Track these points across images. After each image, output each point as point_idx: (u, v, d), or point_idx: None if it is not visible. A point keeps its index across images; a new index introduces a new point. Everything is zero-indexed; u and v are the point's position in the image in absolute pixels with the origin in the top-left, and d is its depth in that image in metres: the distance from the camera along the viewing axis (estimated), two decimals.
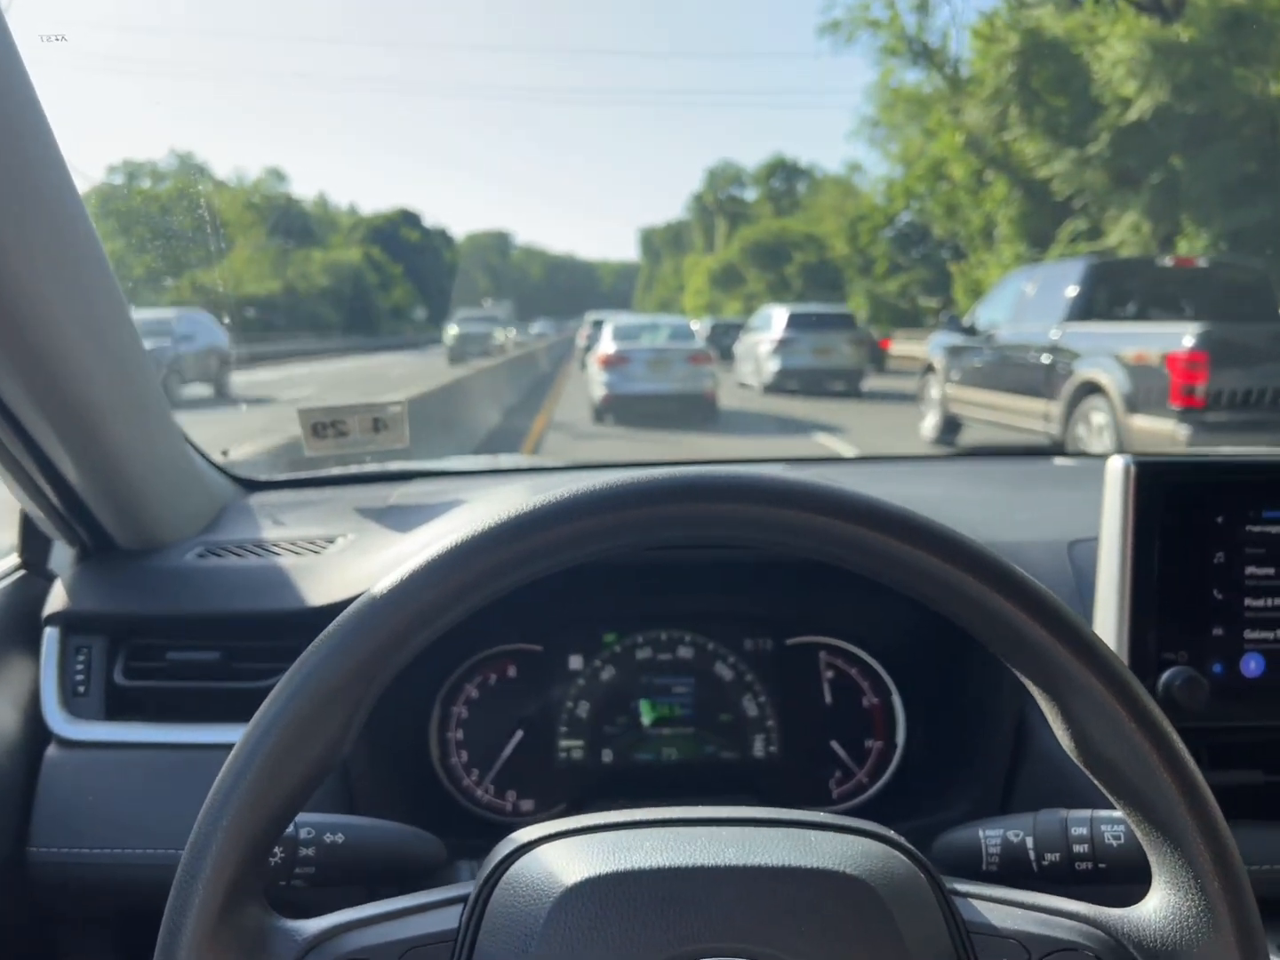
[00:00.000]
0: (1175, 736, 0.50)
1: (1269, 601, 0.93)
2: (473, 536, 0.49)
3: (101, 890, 0.94)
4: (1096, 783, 0.51)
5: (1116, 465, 0.94)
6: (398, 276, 48.85)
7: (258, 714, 0.48)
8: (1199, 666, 0.93)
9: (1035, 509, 1.24)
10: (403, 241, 57.71)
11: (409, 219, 65.13)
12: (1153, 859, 0.51)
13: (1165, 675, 0.91)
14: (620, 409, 11.31)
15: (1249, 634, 0.94)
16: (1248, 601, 0.93)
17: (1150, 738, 0.49)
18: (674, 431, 10.10)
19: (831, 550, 0.50)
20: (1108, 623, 0.94)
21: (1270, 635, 0.94)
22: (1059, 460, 1.65)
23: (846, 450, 8.13)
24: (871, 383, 14.79)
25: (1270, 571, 0.93)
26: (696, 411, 11.38)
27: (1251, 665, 0.94)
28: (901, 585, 0.51)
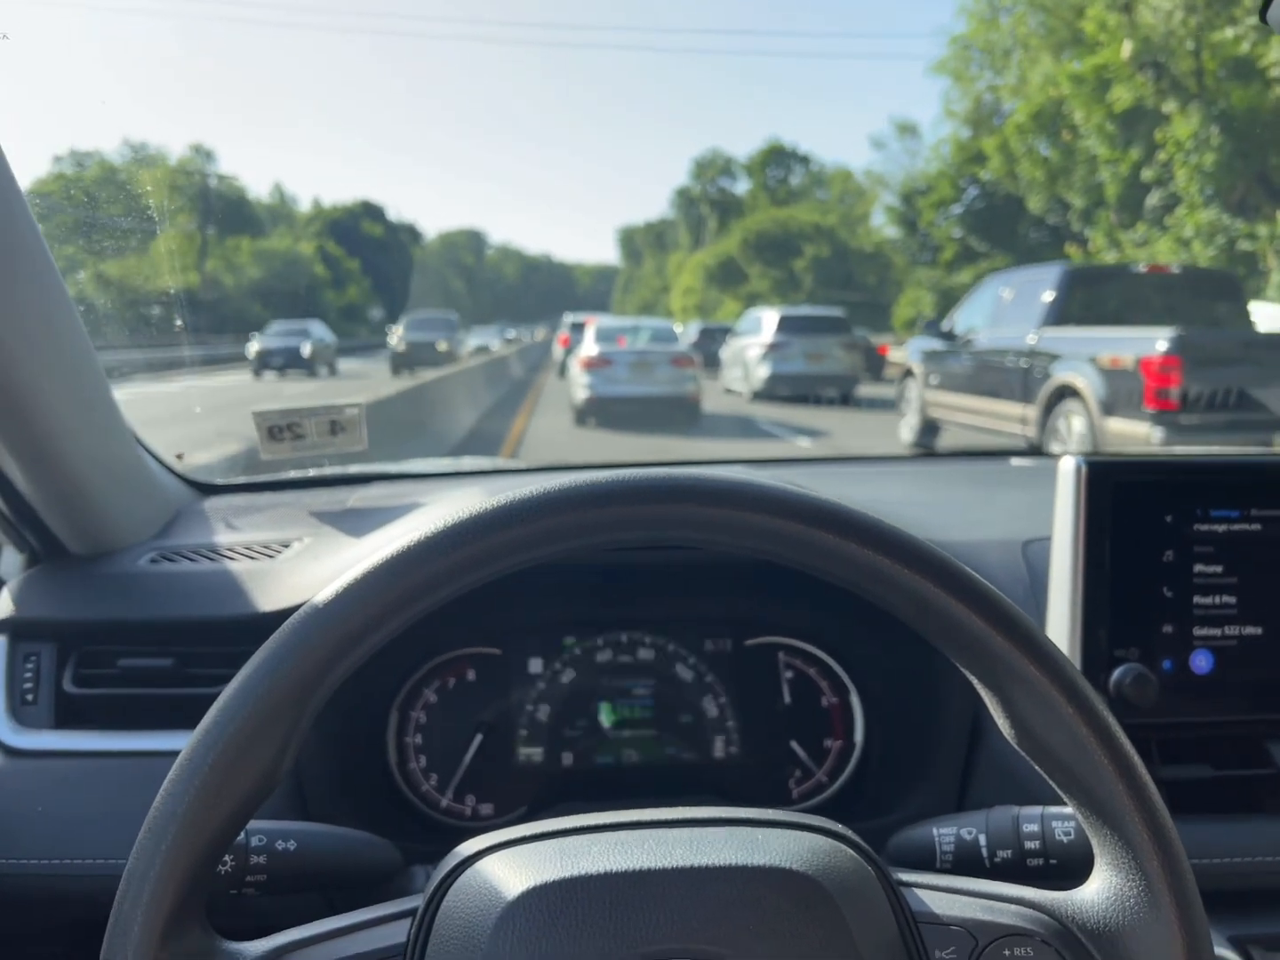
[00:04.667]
0: (1113, 720, 0.51)
1: (1217, 599, 0.96)
2: (402, 552, 0.49)
3: (53, 903, 0.93)
4: (1038, 769, 0.53)
5: (1068, 465, 0.96)
6: (354, 272, 45.53)
7: (192, 739, 0.49)
8: (1149, 663, 0.95)
9: (990, 509, 1.26)
10: (363, 235, 54.30)
11: (371, 211, 61.51)
12: (1094, 842, 0.53)
13: (1116, 672, 0.94)
14: (602, 411, 11.32)
15: (1198, 631, 0.96)
16: (1196, 599, 0.96)
17: (1087, 722, 0.50)
18: (656, 435, 10.12)
19: (767, 547, 0.51)
20: (1060, 621, 0.97)
21: (1218, 632, 0.96)
22: (1015, 461, 1.68)
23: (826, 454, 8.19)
24: (866, 390, 14.45)
25: (1218, 569, 0.96)
26: (679, 414, 11.41)
27: (1200, 662, 0.96)
28: (839, 579, 0.52)
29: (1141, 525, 0.95)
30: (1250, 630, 0.97)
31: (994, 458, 1.78)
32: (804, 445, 9.35)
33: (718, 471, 0.54)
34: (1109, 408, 6.12)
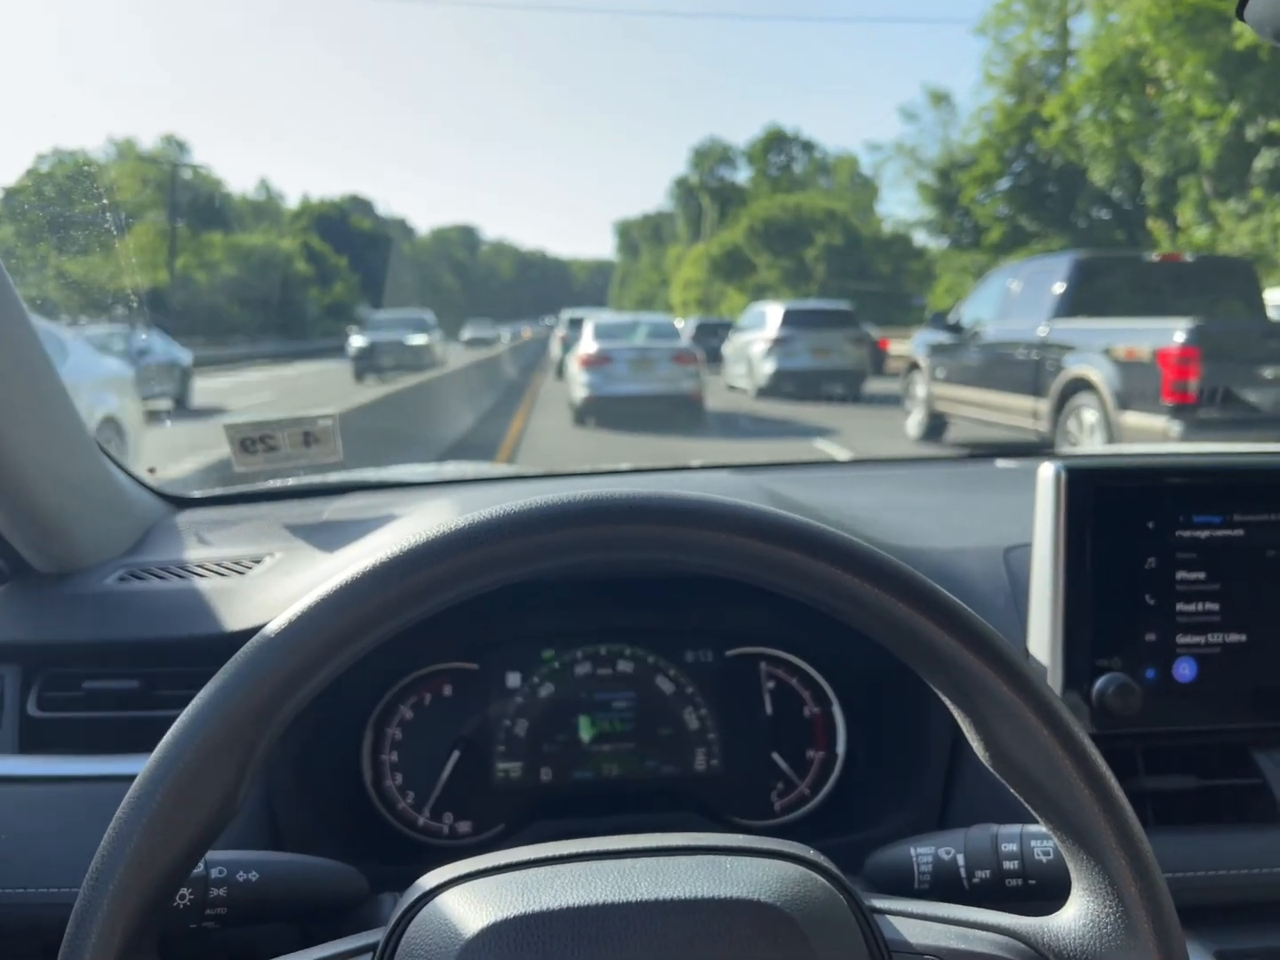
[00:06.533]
0: (1089, 743, 0.51)
1: (1200, 606, 0.97)
2: (357, 577, 0.50)
3: (18, 933, 0.93)
4: (1014, 791, 0.53)
5: (1047, 472, 0.97)
6: (342, 269, 44.18)
7: (141, 773, 0.49)
8: (1132, 672, 0.96)
9: (973, 515, 1.27)
10: (352, 231, 53.43)
11: (360, 206, 60.51)
12: (1071, 866, 0.53)
13: (1099, 682, 0.95)
14: (602, 411, 11.28)
15: (1181, 639, 0.97)
16: (1180, 606, 0.97)
17: (1063, 745, 0.50)
18: (657, 435, 10.10)
19: (734, 566, 0.52)
20: (1041, 630, 0.98)
21: (1202, 640, 0.98)
22: (1001, 463, 1.68)
23: (839, 454, 8.20)
24: (869, 385, 14.46)
25: (1201, 576, 0.97)
26: (682, 413, 11.37)
27: (1184, 670, 0.98)
28: (809, 599, 0.53)
29: (1123, 532, 0.96)
30: (1234, 637, 0.98)
31: (986, 459, 1.79)
32: (811, 445, 9.36)
33: (691, 485, 0.55)
34: (1124, 401, 6.15)
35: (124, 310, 1.48)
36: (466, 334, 38.79)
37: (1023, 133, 22.42)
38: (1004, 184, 24.01)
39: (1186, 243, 15.24)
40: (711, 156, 56.88)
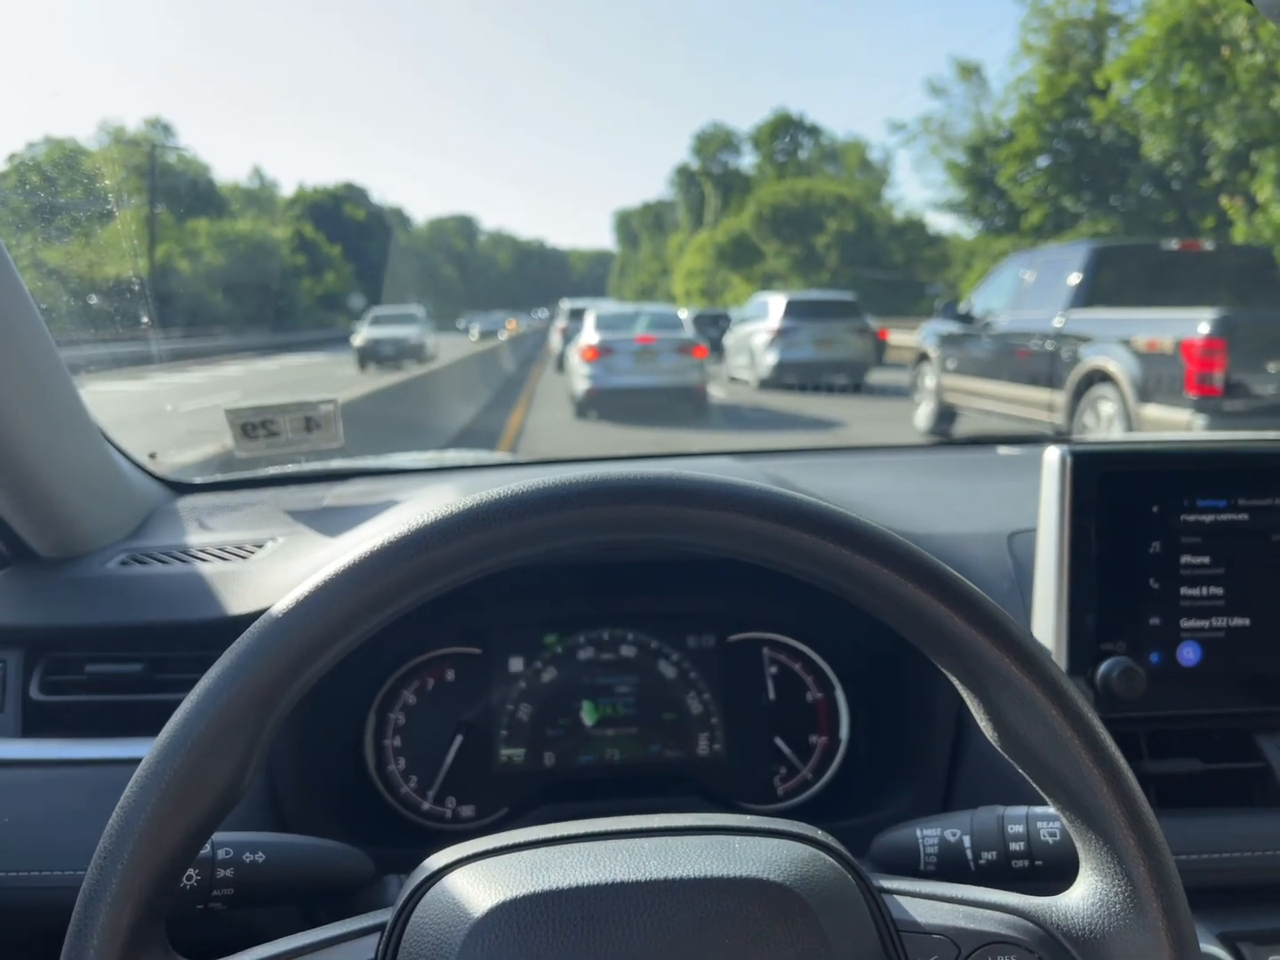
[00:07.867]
0: (1098, 723, 0.53)
1: (1204, 590, 1.01)
2: (363, 558, 0.51)
3: (20, 916, 0.96)
4: (1022, 771, 0.55)
5: (1053, 456, 1.01)
6: (335, 258, 43.58)
7: (149, 753, 0.51)
8: (1137, 656, 1.00)
9: (977, 500, 1.31)
10: (346, 219, 52.88)
11: (354, 194, 59.94)
12: (1079, 846, 0.55)
13: (1104, 666, 0.98)
14: (604, 404, 11.30)
15: (1185, 623, 1.01)
16: (1184, 590, 1.00)
17: (1072, 725, 0.52)
18: (660, 428, 10.14)
19: (742, 547, 0.54)
20: (1046, 614, 1.01)
21: (1206, 624, 1.01)
22: (1003, 449, 1.72)
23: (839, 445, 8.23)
24: (872, 376, 14.59)
25: (1206, 560, 1.00)
26: (685, 405, 11.40)
27: (1188, 654, 1.01)
28: (817, 580, 0.54)
29: (1128, 516, 0.99)
30: (1238, 621, 1.01)
31: (986, 446, 1.82)
32: (814, 436, 9.40)
33: (694, 470, 0.55)
34: (1145, 393, 6.12)
35: (119, 299, 1.51)
36: (363, 333, 18.68)
37: (1067, 105, 21.07)
38: (1043, 161, 22.34)
39: (1265, 221, 14.57)
40: (714, 142, 56.18)
